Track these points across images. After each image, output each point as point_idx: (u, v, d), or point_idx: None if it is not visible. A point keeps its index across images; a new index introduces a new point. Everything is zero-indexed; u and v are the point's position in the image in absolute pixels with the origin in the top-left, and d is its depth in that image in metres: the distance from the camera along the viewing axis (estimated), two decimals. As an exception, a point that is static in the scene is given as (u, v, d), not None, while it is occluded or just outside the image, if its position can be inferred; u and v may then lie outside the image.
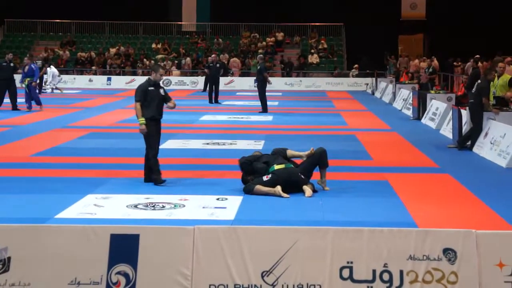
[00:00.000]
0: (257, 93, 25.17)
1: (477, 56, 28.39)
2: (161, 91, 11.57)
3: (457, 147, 15.70)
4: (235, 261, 6.44)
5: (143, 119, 11.34)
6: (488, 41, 38.48)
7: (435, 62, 34.50)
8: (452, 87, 32.37)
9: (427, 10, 46.28)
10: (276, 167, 10.76)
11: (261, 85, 24.46)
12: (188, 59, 42.34)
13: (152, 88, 11.48)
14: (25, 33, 46.25)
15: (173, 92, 35.93)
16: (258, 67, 25.17)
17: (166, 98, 11.60)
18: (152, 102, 11.40)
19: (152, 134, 11.42)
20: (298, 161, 11.15)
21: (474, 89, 15.86)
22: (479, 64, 26.86)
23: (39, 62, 34.28)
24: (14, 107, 23.79)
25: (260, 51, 41.90)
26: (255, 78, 30.27)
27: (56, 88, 34.01)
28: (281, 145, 11.95)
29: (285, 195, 10.40)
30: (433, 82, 28.07)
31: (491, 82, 16.09)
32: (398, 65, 39.18)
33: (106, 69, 41.91)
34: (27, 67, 23.87)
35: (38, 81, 23.64)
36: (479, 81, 15.92)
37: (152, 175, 11.40)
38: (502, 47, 32.41)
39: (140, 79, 33.41)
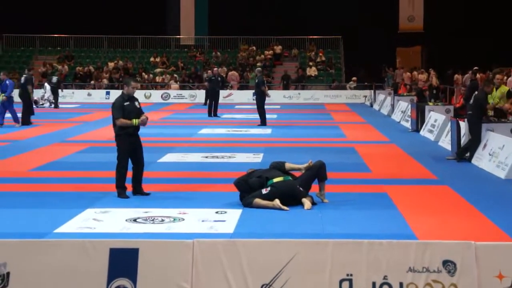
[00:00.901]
0: (255, 106, 25.19)
1: (476, 68, 28.48)
2: (136, 103, 11.53)
3: (455, 159, 15.70)
4: (235, 274, 6.43)
5: (134, 120, 11.30)
6: (486, 53, 38.58)
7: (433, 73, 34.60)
8: (450, 99, 32.42)
9: (425, 22, 46.40)
10: (275, 180, 10.75)
11: (260, 98, 24.49)
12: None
13: (127, 102, 11.40)
14: (23, 48, 46.35)
15: (172, 105, 36.05)
16: (256, 81, 25.20)
17: (141, 110, 11.58)
18: (129, 117, 11.32)
19: (125, 148, 11.39)
20: (297, 173, 11.14)
21: (471, 101, 15.89)
22: (478, 75, 26.96)
23: (54, 78, 34.40)
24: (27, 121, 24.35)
25: (258, 64, 41.92)
26: (253, 91, 30.30)
27: (52, 103, 34.15)
28: (280, 158, 11.95)
29: (284, 207, 10.38)
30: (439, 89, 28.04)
31: (490, 94, 16.12)
32: (395, 78, 39.28)
33: (89, 83, 41.95)
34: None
35: (7, 96, 23.67)
36: (476, 92, 15.95)
37: (117, 187, 11.41)
38: (500, 59, 32.49)
39: (138, 93, 33.29)
